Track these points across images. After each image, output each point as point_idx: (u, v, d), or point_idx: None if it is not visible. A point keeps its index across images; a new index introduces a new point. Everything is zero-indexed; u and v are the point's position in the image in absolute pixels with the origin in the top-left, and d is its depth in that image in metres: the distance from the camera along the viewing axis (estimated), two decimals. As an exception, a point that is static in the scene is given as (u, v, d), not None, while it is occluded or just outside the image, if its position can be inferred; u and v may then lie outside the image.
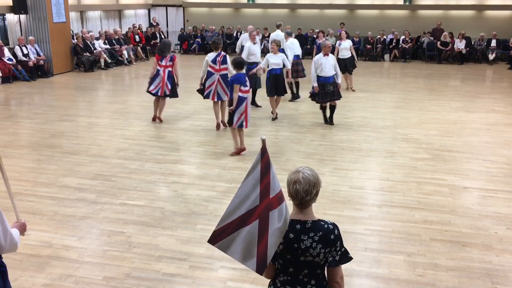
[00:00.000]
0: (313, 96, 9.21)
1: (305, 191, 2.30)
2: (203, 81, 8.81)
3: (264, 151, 2.30)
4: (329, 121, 9.24)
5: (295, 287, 2.40)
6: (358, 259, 4.39)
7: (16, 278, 4.12)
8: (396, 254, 4.57)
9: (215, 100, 8.71)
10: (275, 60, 9.65)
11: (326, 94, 9.02)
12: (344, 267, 2.44)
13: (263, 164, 2.29)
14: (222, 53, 8.69)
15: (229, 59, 8.64)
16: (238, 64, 7.30)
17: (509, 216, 5.39)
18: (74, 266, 4.33)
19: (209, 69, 8.62)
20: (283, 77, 9.88)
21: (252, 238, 2.30)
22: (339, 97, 9.14)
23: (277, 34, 11.44)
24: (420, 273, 4.25)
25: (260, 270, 2.32)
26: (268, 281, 2.55)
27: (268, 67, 9.71)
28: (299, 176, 2.32)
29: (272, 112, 9.73)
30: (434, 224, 5.18)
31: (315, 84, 9.00)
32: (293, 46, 11.24)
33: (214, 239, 2.37)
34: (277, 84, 9.70)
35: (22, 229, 2.84)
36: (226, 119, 8.24)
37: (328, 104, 9.17)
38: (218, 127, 8.85)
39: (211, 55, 8.63)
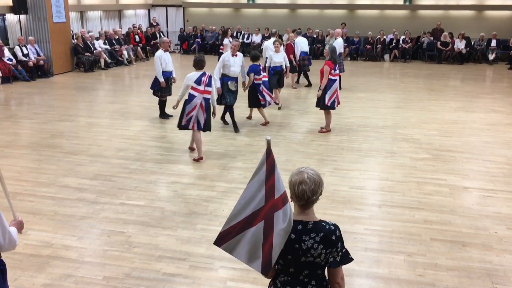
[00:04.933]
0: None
1: (311, 191, 2.30)
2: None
3: (269, 152, 2.30)
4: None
5: (296, 287, 2.40)
6: (358, 259, 4.38)
7: (16, 278, 4.12)
8: (396, 254, 4.57)
9: (195, 128, 7.16)
10: (277, 58, 10.63)
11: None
12: (344, 267, 2.44)
13: (268, 165, 2.29)
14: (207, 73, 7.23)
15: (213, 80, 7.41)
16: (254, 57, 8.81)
17: (509, 216, 5.40)
18: (74, 266, 4.33)
19: (191, 91, 7.06)
20: (282, 72, 10.88)
21: (257, 239, 2.30)
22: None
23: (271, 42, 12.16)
24: (420, 273, 4.25)
25: (265, 271, 2.32)
26: (268, 281, 2.55)
27: (271, 65, 10.74)
28: (304, 176, 2.31)
29: (277, 103, 10.59)
30: (434, 224, 5.18)
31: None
32: (302, 44, 12.86)
33: (220, 241, 2.37)
34: (279, 79, 10.80)
35: (20, 227, 2.85)
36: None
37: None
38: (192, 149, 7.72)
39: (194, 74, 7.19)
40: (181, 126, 7.19)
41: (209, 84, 7.06)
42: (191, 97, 7.01)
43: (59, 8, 15.29)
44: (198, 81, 7.02)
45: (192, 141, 7.59)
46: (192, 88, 7.03)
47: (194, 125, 7.08)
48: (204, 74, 7.10)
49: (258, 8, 21.33)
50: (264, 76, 9.07)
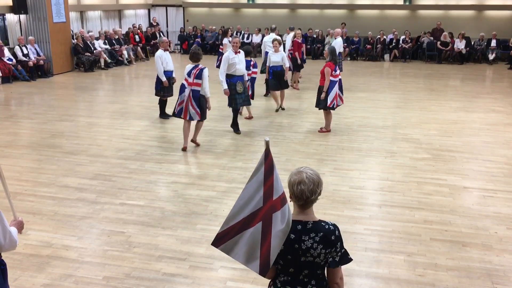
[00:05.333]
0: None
1: (310, 191, 2.30)
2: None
3: (267, 153, 2.29)
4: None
5: (296, 287, 2.40)
6: (358, 259, 4.39)
7: (16, 278, 4.12)
8: (396, 254, 4.57)
9: (187, 118, 7.52)
10: (276, 58, 10.28)
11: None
12: (344, 267, 2.45)
13: (266, 166, 2.28)
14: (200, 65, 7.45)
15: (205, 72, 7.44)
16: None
17: (509, 216, 5.40)
18: (74, 266, 4.33)
19: (183, 82, 7.47)
20: (283, 73, 10.34)
21: (255, 240, 2.29)
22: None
23: (270, 37, 12.13)
24: (420, 273, 4.25)
25: (263, 272, 2.31)
26: (268, 281, 2.55)
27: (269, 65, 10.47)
28: (303, 176, 2.32)
29: (279, 105, 10.42)
30: (434, 224, 5.18)
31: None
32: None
33: (218, 242, 2.37)
34: (280, 80, 10.31)
35: (20, 227, 2.85)
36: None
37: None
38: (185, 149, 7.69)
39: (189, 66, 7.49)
40: (173, 113, 7.68)
41: (198, 76, 7.32)
42: (183, 87, 7.44)
43: (59, 8, 15.29)
44: (189, 73, 7.39)
45: (195, 134, 7.82)
46: (185, 79, 7.42)
47: (187, 116, 7.47)
48: (196, 66, 7.39)
49: (258, 8, 21.33)
50: (253, 72, 9.10)
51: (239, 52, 8.32)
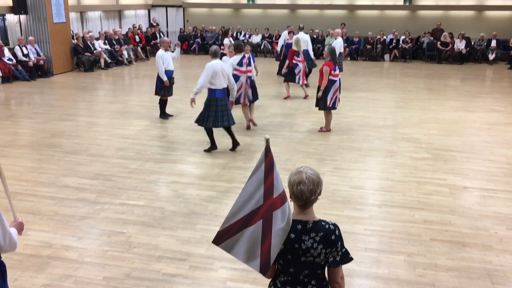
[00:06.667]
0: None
1: (309, 191, 2.30)
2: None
3: (267, 151, 2.29)
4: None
5: (296, 287, 2.40)
6: (358, 259, 4.38)
7: (16, 278, 4.12)
8: (396, 254, 4.57)
9: (246, 102, 8.63)
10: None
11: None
12: (344, 267, 2.44)
13: (267, 164, 2.28)
14: (247, 55, 8.48)
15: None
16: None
17: (509, 216, 5.39)
18: (74, 266, 4.33)
19: (235, 72, 8.28)
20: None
21: (256, 239, 2.29)
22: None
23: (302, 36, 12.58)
24: (420, 273, 4.25)
25: (263, 270, 2.31)
26: (268, 281, 2.55)
27: None
28: (303, 176, 2.31)
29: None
30: (434, 224, 5.18)
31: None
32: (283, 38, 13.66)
33: (219, 240, 2.37)
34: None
35: (20, 228, 2.84)
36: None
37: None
38: (249, 127, 8.85)
39: (236, 58, 8.33)
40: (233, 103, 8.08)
41: (249, 64, 8.44)
42: (236, 78, 8.20)
43: (59, 9, 15.29)
44: (240, 63, 8.29)
45: (251, 114, 8.77)
46: (235, 69, 8.22)
47: (245, 100, 8.52)
48: (244, 56, 8.34)
49: (258, 8, 21.32)
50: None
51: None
